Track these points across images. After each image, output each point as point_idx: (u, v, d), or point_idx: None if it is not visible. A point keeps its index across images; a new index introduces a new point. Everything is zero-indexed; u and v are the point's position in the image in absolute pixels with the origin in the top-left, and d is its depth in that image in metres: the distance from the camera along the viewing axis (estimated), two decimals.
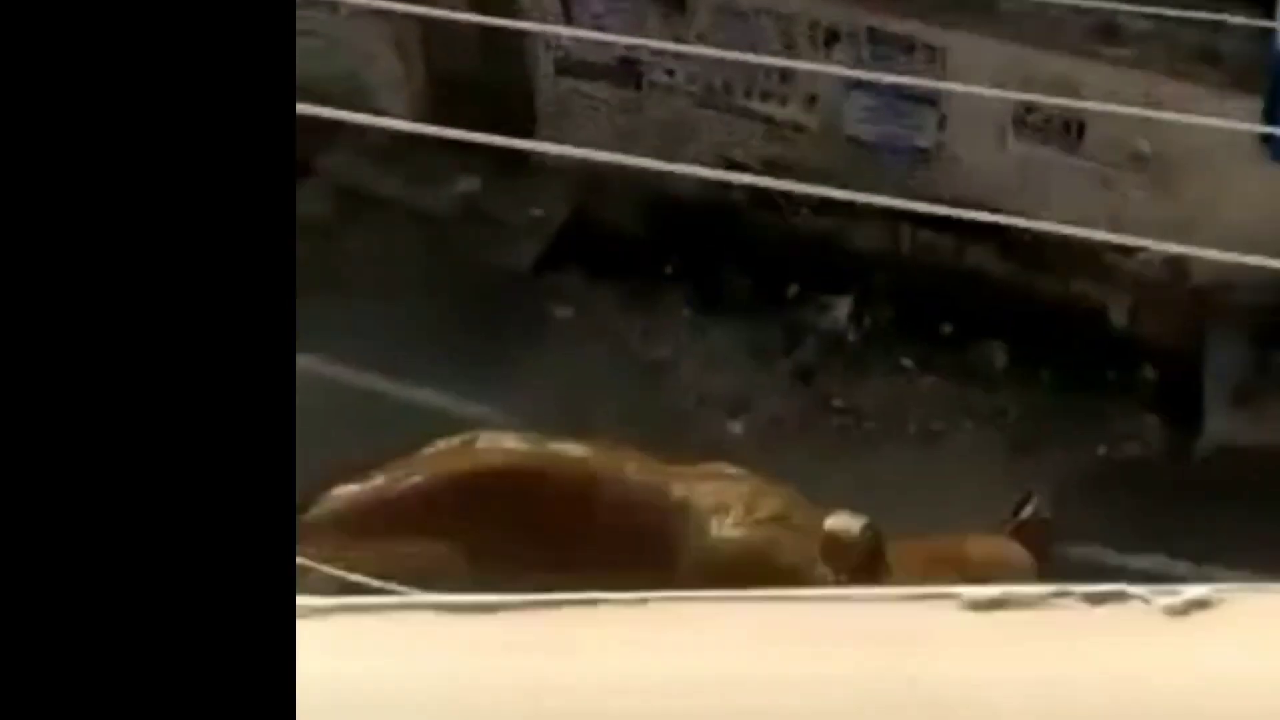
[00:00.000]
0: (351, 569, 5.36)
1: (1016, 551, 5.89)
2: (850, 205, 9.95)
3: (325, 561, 5.38)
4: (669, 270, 10.02)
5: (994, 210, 9.55)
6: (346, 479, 6.14)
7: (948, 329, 9.98)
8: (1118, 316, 10.13)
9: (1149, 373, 9.90)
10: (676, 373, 9.35)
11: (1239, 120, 8.85)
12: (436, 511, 5.85)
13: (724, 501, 5.91)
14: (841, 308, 10.00)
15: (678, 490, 5.90)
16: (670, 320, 9.60)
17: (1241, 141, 9.19)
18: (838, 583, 5.61)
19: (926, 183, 9.81)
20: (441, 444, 6.32)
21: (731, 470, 6.31)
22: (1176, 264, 9.92)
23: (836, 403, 9.28)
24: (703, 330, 9.61)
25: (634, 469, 5.95)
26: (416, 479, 6.00)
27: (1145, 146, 9.55)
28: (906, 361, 9.72)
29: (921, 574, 5.67)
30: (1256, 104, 9.02)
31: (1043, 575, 5.65)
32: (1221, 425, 9.19)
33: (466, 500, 5.83)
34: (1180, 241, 9.63)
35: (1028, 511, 6.09)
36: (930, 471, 8.51)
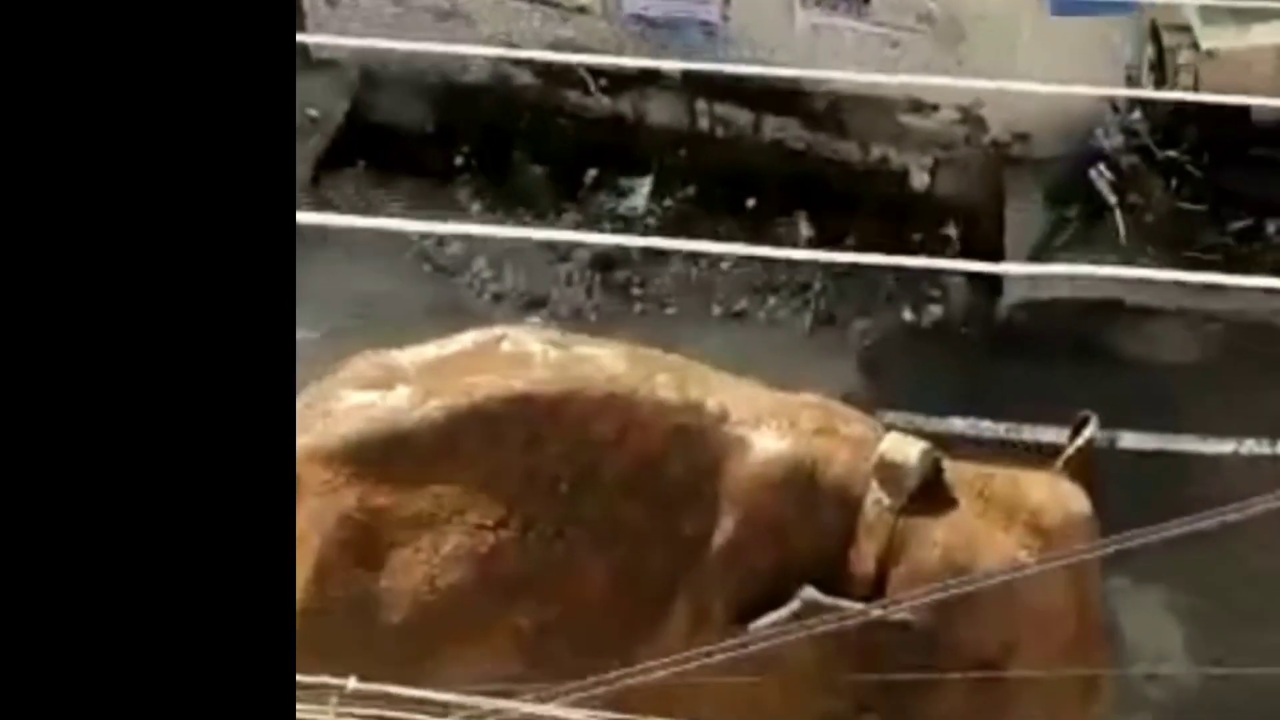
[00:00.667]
0: (372, 521, 5.15)
1: (1072, 494, 5.35)
2: (642, 83, 9.71)
3: (345, 513, 5.15)
4: (458, 163, 9.70)
5: (787, 79, 9.40)
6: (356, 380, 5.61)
7: (750, 204, 9.80)
8: (918, 178, 10.04)
9: (951, 231, 9.83)
10: (468, 271, 9.08)
11: None
12: (456, 450, 5.38)
13: (761, 413, 5.41)
14: (640, 191, 9.76)
15: (711, 404, 5.39)
16: (460, 217, 9.29)
17: None
18: (891, 511, 5.21)
19: (715, 58, 9.58)
20: (468, 340, 5.72)
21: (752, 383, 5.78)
22: (972, 120, 9.85)
23: (636, 290, 9.08)
24: (495, 224, 9.32)
25: (665, 381, 5.42)
26: (435, 407, 5.42)
27: (932, 6, 9.41)
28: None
29: (978, 512, 5.26)
30: None
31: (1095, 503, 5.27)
32: (1023, 280, 9.16)
33: (489, 432, 5.37)
34: (972, 98, 9.58)
35: (1085, 436, 5.49)
36: (735, 352, 8.36)
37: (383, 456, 5.30)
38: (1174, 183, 9.18)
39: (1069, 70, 9.20)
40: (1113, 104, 9.29)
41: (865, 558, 5.14)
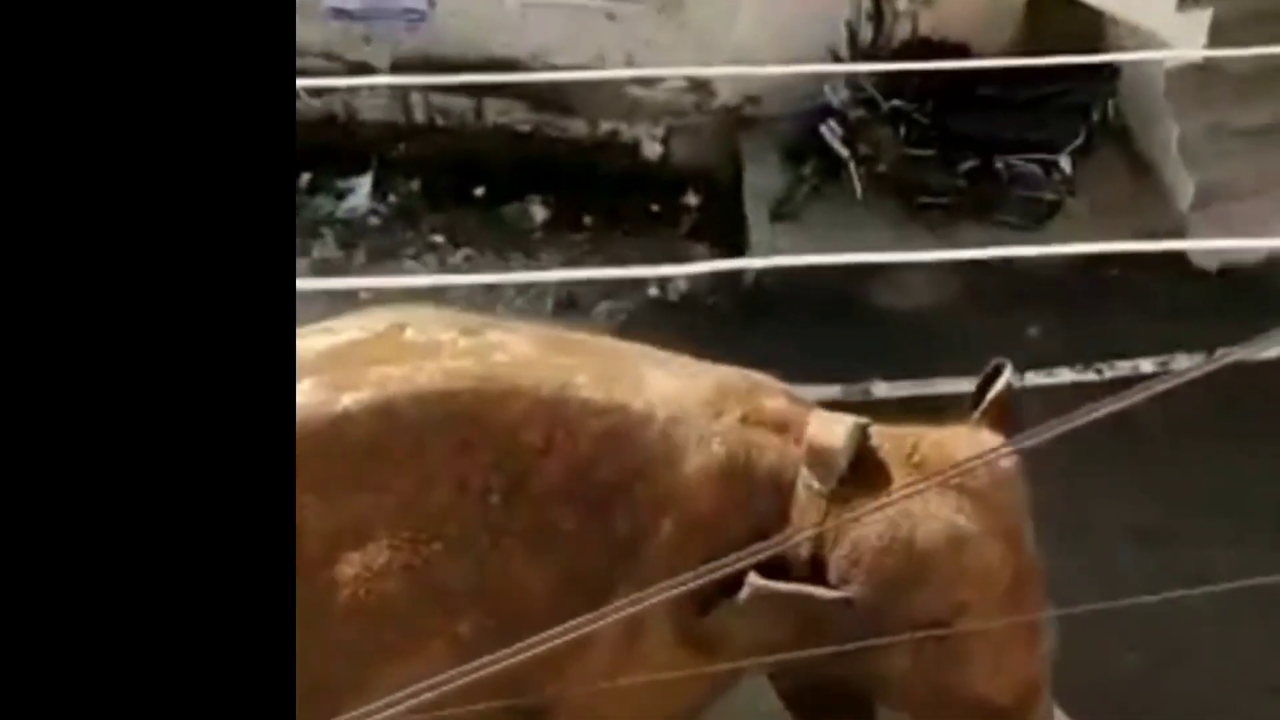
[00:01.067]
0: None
1: (995, 442, 5.22)
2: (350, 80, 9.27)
3: None
4: None
5: (505, 62, 9.06)
6: None
7: (479, 191, 9.46)
8: (651, 149, 9.82)
9: (690, 199, 9.63)
10: None
11: None
12: (382, 454, 5.08)
13: (687, 407, 5.23)
14: (360, 191, 9.34)
15: (638, 404, 5.19)
16: None
17: None
18: (826, 495, 5.11)
19: (424, 44, 9.22)
20: (363, 326, 5.38)
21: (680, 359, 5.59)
22: (701, 87, 9.66)
23: (365, 295, 8.65)
24: None
25: (587, 381, 5.20)
26: (352, 403, 5.04)
27: None
28: (437, 237, 9.16)
29: (909, 475, 5.14)
30: None
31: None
32: (766, 243, 8.99)
33: (414, 436, 5.06)
34: (697, 65, 9.36)
35: (1000, 385, 5.37)
36: None
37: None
38: (902, 130, 9.12)
39: (791, 29, 9.05)
40: (835, 55, 9.17)
41: (802, 543, 5.08)
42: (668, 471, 5.14)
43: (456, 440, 5.09)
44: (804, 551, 5.14)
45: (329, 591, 4.98)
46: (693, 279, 8.96)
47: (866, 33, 9.40)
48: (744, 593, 4.93)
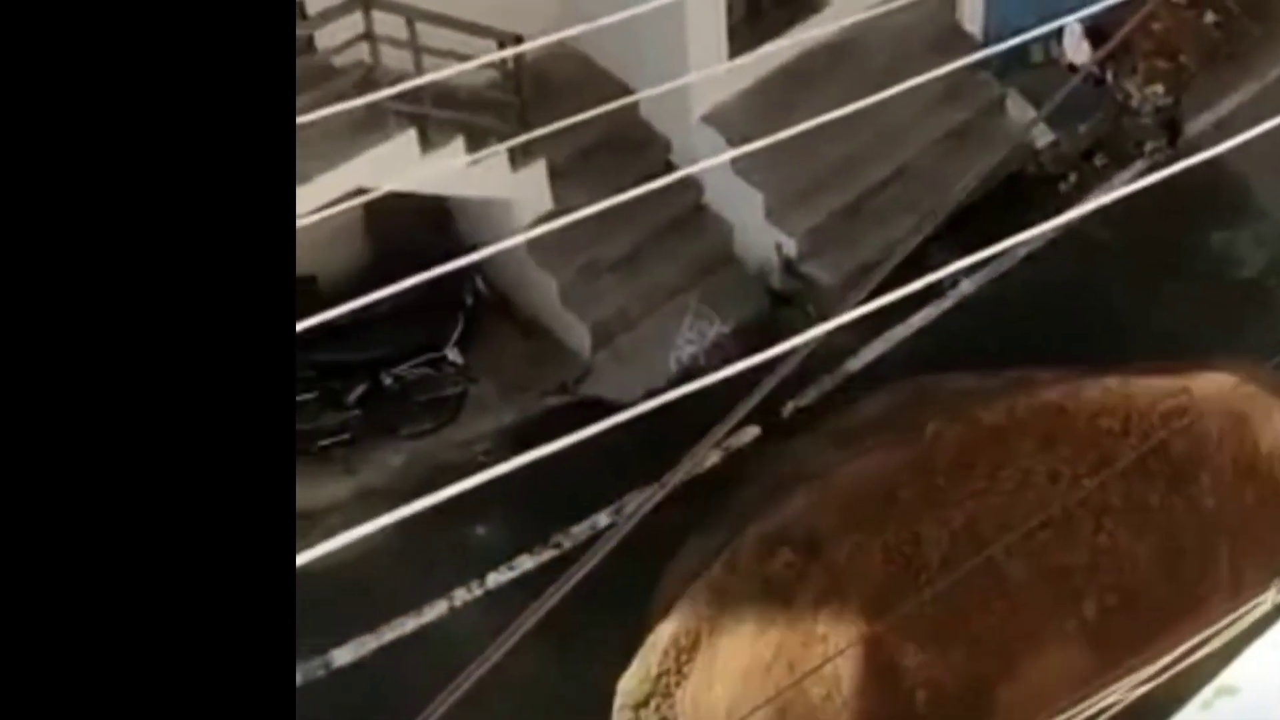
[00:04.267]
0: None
1: None
2: None
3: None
4: None
5: None
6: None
7: None
8: None
9: None
10: None
11: None
12: (968, 467, 6.05)
13: (1227, 386, 6.06)
14: None
15: (1200, 383, 6.03)
16: None
17: None
18: None
19: None
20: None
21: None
22: None
23: None
24: None
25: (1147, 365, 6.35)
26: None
27: None
28: None
29: None
30: None
31: None
32: None
33: (990, 445, 6.03)
34: None
35: None
36: None
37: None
38: None
39: None
40: None
41: None
42: (1241, 444, 5.85)
43: (1040, 435, 5.84)
44: None
45: (959, 593, 5.31)
46: None
47: None
48: None
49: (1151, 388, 6.14)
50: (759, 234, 9.43)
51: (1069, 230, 9.97)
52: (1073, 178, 10.36)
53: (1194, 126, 10.64)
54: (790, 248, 9.44)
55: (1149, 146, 10.58)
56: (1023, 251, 9.87)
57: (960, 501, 5.94)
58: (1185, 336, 8.83)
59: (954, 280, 9.72)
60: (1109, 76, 10.66)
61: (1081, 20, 10.20)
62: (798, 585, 6.55)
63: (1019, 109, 10.15)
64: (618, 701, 7.07)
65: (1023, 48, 10.30)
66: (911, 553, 5.99)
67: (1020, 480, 5.92)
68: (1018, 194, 9.97)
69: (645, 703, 6.92)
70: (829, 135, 4.70)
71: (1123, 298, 9.61)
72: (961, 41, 9.79)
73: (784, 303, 9.51)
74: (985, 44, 9.68)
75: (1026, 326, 9.40)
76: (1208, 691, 3.20)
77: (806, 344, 3.15)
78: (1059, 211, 9.61)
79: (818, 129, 3.93)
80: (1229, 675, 3.23)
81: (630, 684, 7.02)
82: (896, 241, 9.45)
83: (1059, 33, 10.25)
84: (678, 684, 6.82)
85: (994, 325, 9.55)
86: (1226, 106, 10.73)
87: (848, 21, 8.91)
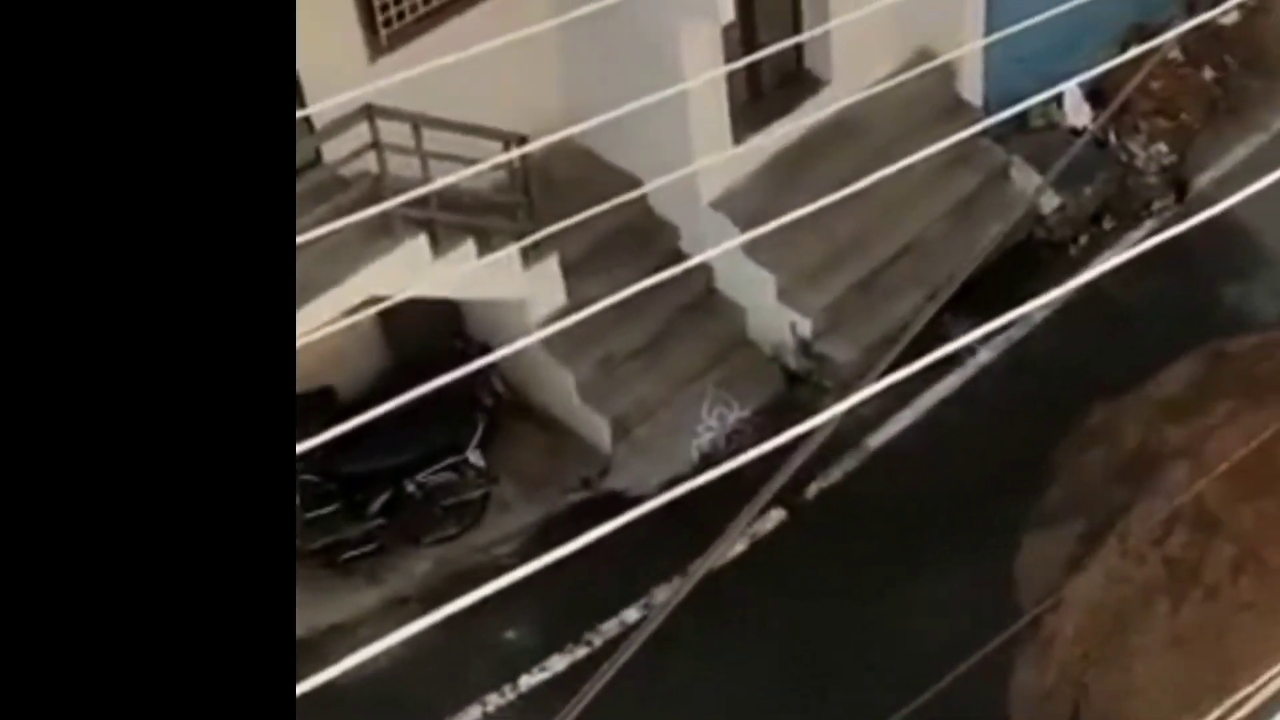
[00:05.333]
0: None
1: None
2: None
3: None
4: None
5: None
6: None
7: None
8: None
9: None
10: None
11: None
12: None
13: None
14: None
15: None
16: None
17: None
18: None
19: None
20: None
21: None
22: None
23: None
24: None
25: None
26: None
27: None
28: None
29: None
30: None
31: None
32: None
33: None
34: None
35: None
36: None
37: None
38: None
39: None
40: None
41: None
42: None
43: None
44: None
45: None
46: None
47: None
48: None
49: None
50: (772, 315, 9.44)
51: (1086, 292, 10.05)
52: (1082, 240, 10.36)
53: (1200, 182, 10.67)
54: (805, 327, 9.43)
55: (1157, 205, 10.59)
56: (1039, 317, 9.90)
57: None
58: None
59: (972, 350, 9.71)
60: (1112, 138, 10.70)
61: (1081, 84, 10.27)
62: (1203, 561, 6.88)
63: (1024, 175, 10.18)
64: (1015, 695, 7.24)
65: (1024, 114, 10.37)
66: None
67: None
68: (1028, 260, 10.00)
69: (1049, 695, 7.08)
70: (837, 213, 4.69)
71: (1143, 355, 9.61)
72: (963, 111, 9.84)
73: (801, 382, 9.49)
74: (986, 112, 9.71)
75: (1049, 389, 9.39)
76: None
77: (826, 424, 3.09)
78: (1070, 275, 9.67)
79: (826, 207, 3.93)
80: None
81: (1028, 676, 7.15)
82: (910, 315, 9.57)
83: (1059, 97, 10.31)
84: (1083, 671, 7.02)
85: (1015, 390, 9.54)
86: (1231, 161, 10.76)
87: (849, 100, 8.95)
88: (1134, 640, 7.15)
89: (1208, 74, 11.12)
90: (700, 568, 3.31)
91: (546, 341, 8.58)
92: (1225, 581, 7.07)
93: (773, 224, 4.02)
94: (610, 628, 8.50)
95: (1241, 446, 6.83)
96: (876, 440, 9.36)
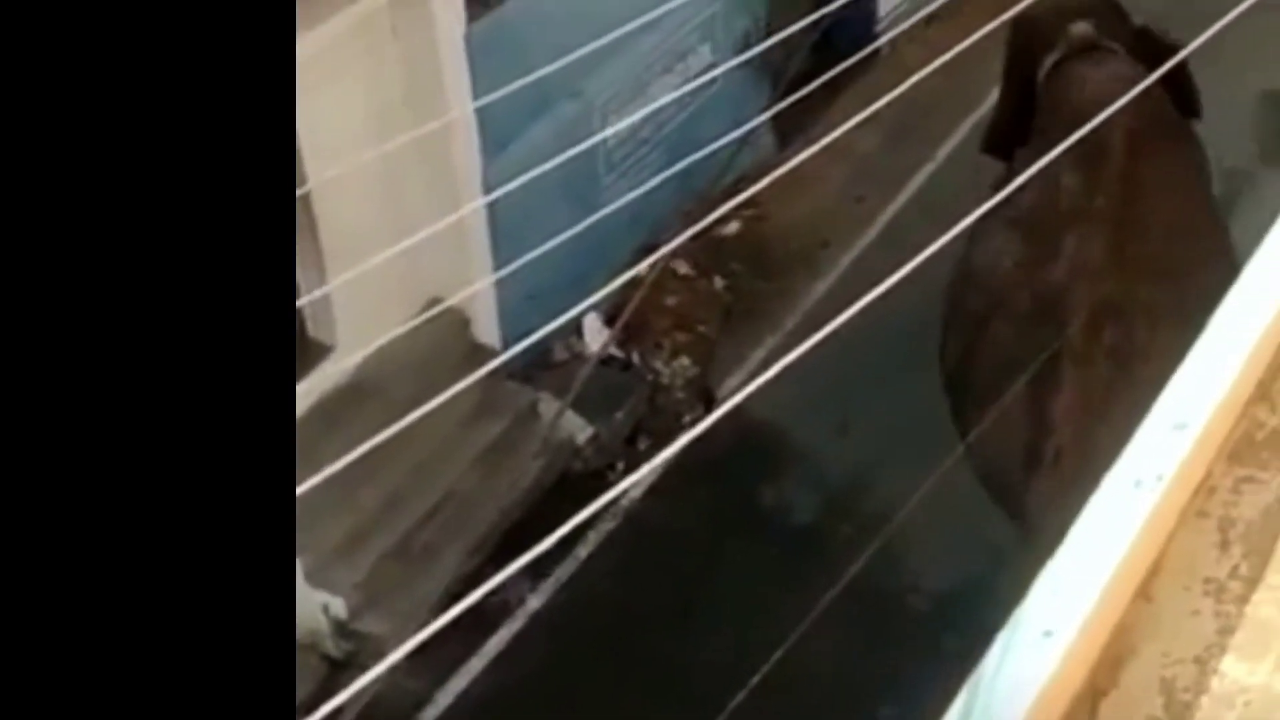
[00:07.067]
0: None
1: None
2: None
3: None
4: None
5: None
6: None
7: None
8: None
9: None
10: None
11: None
12: None
13: None
14: None
15: None
16: None
17: None
18: None
19: None
20: None
21: None
22: None
23: None
24: None
25: None
26: None
27: None
28: None
29: None
30: None
31: None
32: None
33: None
34: None
35: None
36: None
37: None
38: None
39: None
40: None
41: None
42: None
43: None
44: None
45: None
46: None
47: None
48: None
49: None
50: (303, 601, 8.81)
51: (628, 518, 9.90)
52: (620, 466, 10.19)
53: (728, 387, 10.69)
54: (338, 607, 8.85)
55: (687, 418, 10.54)
56: (584, 553, 9.65)
57: None
58: None
59: (520, 598, 9.36)
60: (636, 359, 10.62)
61: (598, 312, 10.16)
62: None
63: (551, 411, 9.95)
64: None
65: (547, 350, 10.18)
66: None
67: None
68: (568, 494, 9.73)
69: None
70: (363, 480, 4.20)
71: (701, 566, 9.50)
72: (481, 356, 9.53)
73: (344, 668, 8.88)
74: (504, 352, 9.46)
75: (608, 633, 9.13)
76: None
77: (358, 695, 2.87)
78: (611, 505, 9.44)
79: (350, 475, 3.45)
80: None
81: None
82: (453, 572, 9.14)
83: (579, 328, 10.16)
84: None
85: (572, 639, 9.22)
86: (754, 359, 10.85)
87: (358, 358, 8.57)
88: None
89: (718, 283, 11.23)
90: None
91: None
92: None
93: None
94: None
95: None
96: (431, 713, 8.84)
